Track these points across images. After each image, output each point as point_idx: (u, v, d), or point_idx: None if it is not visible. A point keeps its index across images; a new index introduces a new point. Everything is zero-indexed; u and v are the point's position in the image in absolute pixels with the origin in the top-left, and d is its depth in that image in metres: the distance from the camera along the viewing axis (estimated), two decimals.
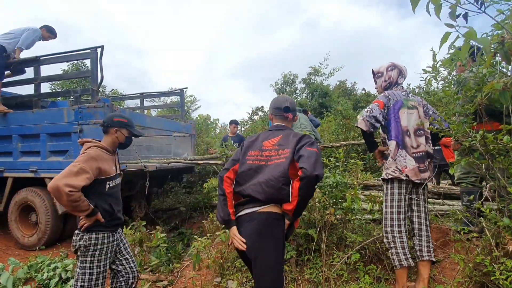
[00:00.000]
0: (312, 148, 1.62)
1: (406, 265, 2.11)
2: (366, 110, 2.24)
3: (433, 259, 2.16)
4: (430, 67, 2.66)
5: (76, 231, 1.97)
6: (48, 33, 4.79)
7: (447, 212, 3.07)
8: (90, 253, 1.92)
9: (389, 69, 2.36)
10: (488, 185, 2.00)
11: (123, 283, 2.12)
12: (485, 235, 2.00)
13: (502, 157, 1.87)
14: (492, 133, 1.89)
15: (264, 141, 1.81)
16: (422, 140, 2.22)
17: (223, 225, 1.85)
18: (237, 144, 5.56)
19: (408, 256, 2.13)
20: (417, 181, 2.16)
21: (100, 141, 2.07)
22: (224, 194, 1.74)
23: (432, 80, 2.55)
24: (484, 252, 1.93)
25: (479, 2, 1.37)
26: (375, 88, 2.57)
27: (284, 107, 1.87)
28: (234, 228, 1.69)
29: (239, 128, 11.71)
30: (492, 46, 1.46)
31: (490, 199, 2.06)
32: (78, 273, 1.93)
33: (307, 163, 1.52)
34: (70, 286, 3.03)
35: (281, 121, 1.91)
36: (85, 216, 1.89)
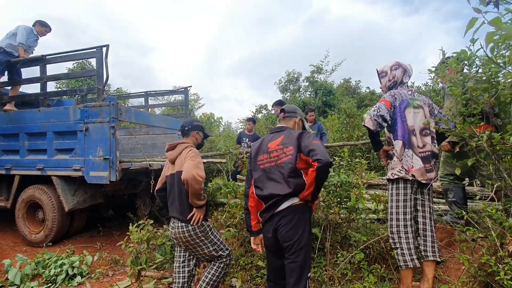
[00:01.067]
0: (317, 141, 1.83)
1: (412, 266, 2.11)
2: (373, 109, 2.23)
3: (438, 259, 2.16)
4: (435, 66, 2.65)
5: (190, 227, 2.10)
6: (43, 27, 4.85)
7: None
8: (208, 231, 2.21)
9: (393, 68, 2.36)
10: (495, 186, 1.99)
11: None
12: (490, 236, 2.00)
13: (508, 157, 1.86)
14: (499, 134, 1.88)
15: (269, 143, 1.96)
16: (428, 139, 2.20)
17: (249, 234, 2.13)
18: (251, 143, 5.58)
19: (414, 257, 2.12)
20: (423, 181, 2.15)
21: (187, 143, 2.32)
22: (247, 209, 2.02)
23: (439, 79, 2.53)
24: (489, 253, 1.93)
25: None
26: (380, 88, 2.56)
27: (281, 109, 2.10)
28: (255, 238, 2.02)
29: (242, 126, 11.74)
30: None
31: (495, 199, 2.04)
32: (216, 247, 2.21)
33: (320, 154, 1.70)
34: (77, 282, 3.08)
35: (283, 123, 2.09)
36: (199, 207, 2.10)
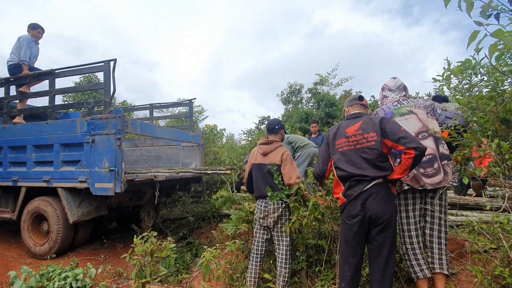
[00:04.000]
0: (402, 127, 1.95)
1: (422, 276, 2.08)
2: None
3: (445, 272, 2.11)
4: (440, 75, 2.66)
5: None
6: (34, 30, 4.96)
7: (462, 223, 2.99)
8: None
9: (381, 88, 2.57)
10: (506, 195, 1.96)
11: None
12: (503, 247, 1.95)
13: None
14: (508, 142, 1.86)
15: (347, 128, 2.07)
16: (427, 142, 2.15)
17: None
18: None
19: (424, 267, 2.09)
20: (419, 188, 2.12)
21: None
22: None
23: (444, 87, 2.54)
24: (503, 264, 1.87)
25: None
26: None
27: (358, 96, 2.23)
28: None
29: (245, 138, 11.76)
30: None
31: (509, 210, 2.00)
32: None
33: (415, 142, 1.83)
34: None
35: (359, 109, 2.18)
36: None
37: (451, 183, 2.17)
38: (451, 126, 2.10)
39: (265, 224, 2.63)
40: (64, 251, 4.17)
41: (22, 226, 4.30)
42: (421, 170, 2.14)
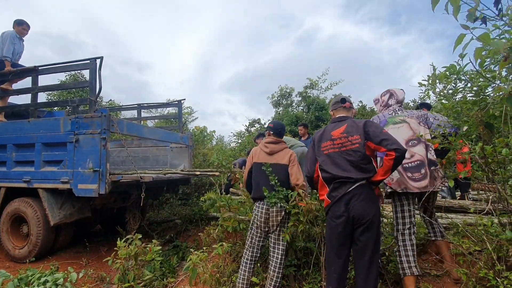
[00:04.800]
0: (384, 129, 1.99)
1: (409, 274, 2.15)
2: None
3: (413, 273, 2.20)
4: (426, 80, 2.71)
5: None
6: (20, 26, 4.83)
7: (448, 225, 3.04)
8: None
9: (382, 95, 2.67)
10: (491, 197, 2.00)
11: None
12: (486, 249, 1.98)
13: (501, 170, 1.87)
14: (491, 146, 1.90)
15: (332, 131, 2.12)
16: (416, 149, 2.29)
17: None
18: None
19: (412, 265, 2.16)
20: (401, 191, 2.26)
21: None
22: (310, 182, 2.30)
23: (430, 92, 2.60)
24: (487, 266, 1.90)
25: (498, 8, 1.40)
26: (377, 112, 2.80)
27: (341, 99, 2.28)
28: None
29: (235, 140, 11.71)
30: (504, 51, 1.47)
31: (493, 212, 2.05)
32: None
33: (395, 143, 1.87)
34: None
35: (344, 113, 2.23)
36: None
37: (440, 187, 2.26)
38: (442, 133, 2.20)
39: (266, 229, 2.55)
40: (45, 254, 4.01)
41: (0, 228, 4.12)
42: (409, 175, 2.26)
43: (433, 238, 2.42)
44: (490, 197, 1.98)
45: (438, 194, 2.78)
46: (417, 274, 2.15)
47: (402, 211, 2.31)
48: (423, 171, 2.23)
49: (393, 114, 2.49)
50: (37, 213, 3.88)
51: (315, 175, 2.20)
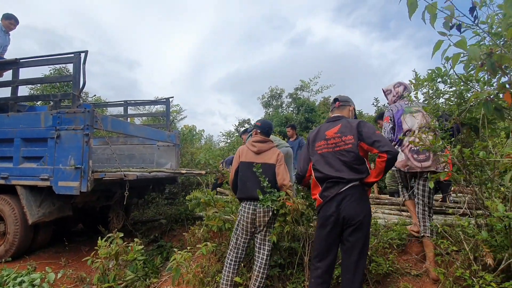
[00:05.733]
0: (378, 131, 2.00)
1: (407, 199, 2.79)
2: (385, 135, 2.74)
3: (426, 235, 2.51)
4: (410, 81, 2.77)
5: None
6: (7, 20, 4.68)
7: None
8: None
9: (396, 86, 2.90)
10: (466, 199, 2.05)
11: None
12: (464, 249, 2.03)
13: (479, 172, 1.93)
14: (469, 149, 1.96)
15: (326, 131, 2.13)
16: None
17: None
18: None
19: (406, 194, 2.77)
20: (404, 170, 2.57)
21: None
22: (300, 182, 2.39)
23: (413, 97, 2.66)
24: (464, 266, 1.95)
25: (473, 15, 1.44)
26: (388, 103, 3.05)
27: (333, 100, 2.34)
28: None
29: (224, 140, 11.65)
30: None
31: (471, 214, 2.10)
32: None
33: (387, 145, 1.89)
34: None
35: (337, 112, 2.26)
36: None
37: (441, 169, 2.40)
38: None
39: (252, 229, 2.52)
40: (22, 254, 3.86)
41: None
42: (415, 156, 2.52)
43: (422, 235, 2.54)
44: (466, 198, 2.03)
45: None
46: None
47: (401, 182, 2.78)
48: (427, 154, 2.44)
49: (409, 104, 2.70)
50: (15, 211, 3.74)
51: (307, 174, 2.22)
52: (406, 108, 2.66)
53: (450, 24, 1.44)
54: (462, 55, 1.59)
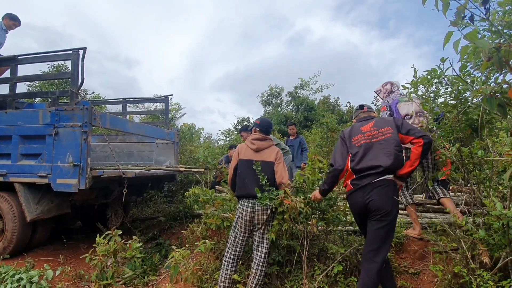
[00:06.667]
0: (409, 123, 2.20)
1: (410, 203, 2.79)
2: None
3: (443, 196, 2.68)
4: (409, 83, 2.78)
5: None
6: (11, 20, 4.65)
7: (427, 225, 3.11)
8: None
9: (383, 85, 3.28)
10: (464, 197, 2.05)
11: None
12: (461, 248, 2.04)
13: (477, 170, 1.93)
14: (467, 148, 1.96)
15: (361, 127, 2.27)
16: (421, 119, 2.67)
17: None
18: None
19: (408, 197, 2.82)
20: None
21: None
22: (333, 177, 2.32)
23: (412, 94, 2.66)
24: (461, 263, 1.96)
25: (486, 8, 1.43)
26: (381, 101, 3.36)
27: (359, 106, 2.47)
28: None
29: (223, 138, 11.65)
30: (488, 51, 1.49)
31: (468, 212, 2.11)
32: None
33: (422, 132, 2.04)
34: None
35: (367, 114, 2.41)
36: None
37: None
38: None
39: (250, 227, 2.52)
40: (21, 251, 3.86)
41: None
42: None
43: (438, 197, 2.69)
44: (464, 197, 2.04)
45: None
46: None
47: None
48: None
49: (401, 96, 3.03)
50: (13, 208, 3.73)
51: (344, 168, 2.25)
52: (400, 99, 2.97)
53: (463, 15, 1.43)
54: (470, 48, 1.57)
